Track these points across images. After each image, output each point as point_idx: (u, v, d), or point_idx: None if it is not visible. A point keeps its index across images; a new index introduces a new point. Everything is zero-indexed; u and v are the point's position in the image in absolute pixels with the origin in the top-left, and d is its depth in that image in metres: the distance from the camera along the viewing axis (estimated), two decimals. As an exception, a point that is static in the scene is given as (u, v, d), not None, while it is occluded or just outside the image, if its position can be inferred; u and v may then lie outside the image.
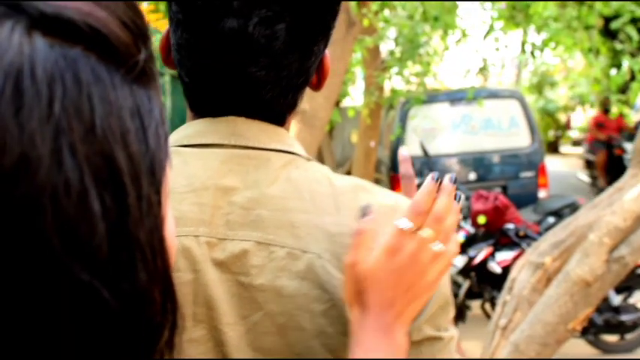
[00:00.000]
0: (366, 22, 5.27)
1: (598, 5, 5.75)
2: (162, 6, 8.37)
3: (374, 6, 5.34)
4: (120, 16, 0.45)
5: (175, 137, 0.93)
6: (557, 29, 5.69)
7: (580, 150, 19.91)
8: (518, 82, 23.86)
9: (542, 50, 7.22)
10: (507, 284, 3.59)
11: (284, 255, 0.86)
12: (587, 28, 6.23)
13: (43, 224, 0.39)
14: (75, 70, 0.41)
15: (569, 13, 5.63)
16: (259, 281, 0.86)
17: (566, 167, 16.55)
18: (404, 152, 1.06)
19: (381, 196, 0.93)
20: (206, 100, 0.94)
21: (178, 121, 7.38)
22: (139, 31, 0.46)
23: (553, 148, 20.00)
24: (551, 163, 17.16)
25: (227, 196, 0.89)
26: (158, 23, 5.53)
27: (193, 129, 0.93)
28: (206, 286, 0.87)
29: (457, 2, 6.61)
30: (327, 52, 0.98)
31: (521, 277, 3.53)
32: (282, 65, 0.91)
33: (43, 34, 0.41)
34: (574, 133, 19.92)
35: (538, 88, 19.44)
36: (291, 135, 0.97)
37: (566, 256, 3.36)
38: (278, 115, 0.95)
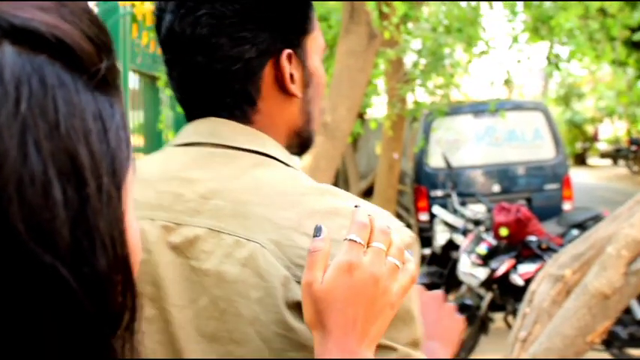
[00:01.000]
0: (387, 35, 5.29)
1: (621, 16, 5.73)
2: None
3: (395, 19, 5.36)
4: (84, 29, 0.49)
5: (173, 140, 1.03)
6: (579, 42, 5.67)
7: (608, 162, 19.71)
8: (545, 94, 23.72)
9: (568, 62, 7.19)
10: (527, 297, 3.57)
11: (231, 242, 0.90)
12: (612, 39, 6.20)
13: (9, 211, 0.44)
14: (41, 75, 0.46)
15: (592, 25, 5.61)
16: (206, 266, 0.90)
17: (594, 179, 16.39)
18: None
19: (344, 199, 0.94)
20: (186, 104, 1.03)
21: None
22: (102, 43, 0.51)
23: (580, 160, 19.84)
24: (579, 175, 17.01)
25: (190, 186, 0.95)
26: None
27: (183, 131, 1.02)
28: (157, 267, 0.92)
29: (481, 14, 6.61)
30: (285, 54, 0.99)
31: (541, 289, 3.51)
32: (213, 51, 0.96)
33: (11, 43, 0.46)
34: (602, 145, 19.73)
35: (565, 99, 19.30)
36: (272, 141, 1.00)
37: (586, 268, 3.34)
38: (237, 109, 0.99)
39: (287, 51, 0.98)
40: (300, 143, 1.06)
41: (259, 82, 0.98)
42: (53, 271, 0.45)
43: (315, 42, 1.04)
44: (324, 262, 0.80)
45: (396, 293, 0.81)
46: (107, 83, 0.51)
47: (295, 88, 1.00)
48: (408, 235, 0.94)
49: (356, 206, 0.85)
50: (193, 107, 1.02)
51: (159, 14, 1.00)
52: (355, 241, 0.80)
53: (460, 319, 1.17)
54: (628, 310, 4.87)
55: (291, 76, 0.99)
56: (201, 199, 0.93)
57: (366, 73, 5.20)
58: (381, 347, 0.87)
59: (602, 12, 6.06)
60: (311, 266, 0.80)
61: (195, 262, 0.91)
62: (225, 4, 0.95)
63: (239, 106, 0.99)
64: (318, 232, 0.82)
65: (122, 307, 0.50)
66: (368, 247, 0.80)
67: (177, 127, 5.95)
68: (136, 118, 4.73)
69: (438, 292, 1.18)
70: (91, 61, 0.49)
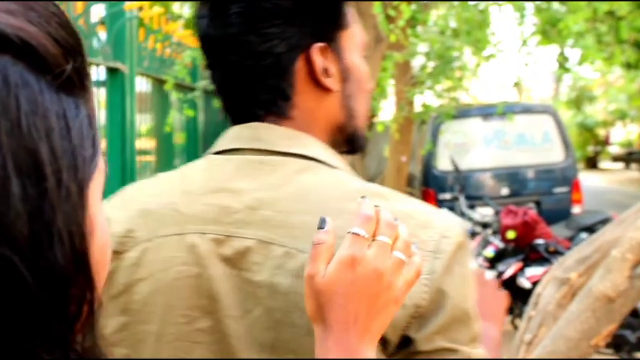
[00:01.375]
0: (393, 38, 5.30)
1: (631, 18, 5.70)
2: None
3: (402, 22, 5.36)
4: (51, 32, 0.51)
5: (213, 147, 1.03)
6: (587, 45, 5.65)
7: (619, 165, 19.63)
8: (556, 97, 23.64)
9: (580, 64, 7.17)
10: (533, 299, 3.56)
11: (281, 254, 0.90)
12: (621, 42, 6.18)
13: None
14: (4, 74, 0.47)
15: (599, 28, 5.59)
16: (258, 278, 0.91)
17: (605, 183, 16.32)
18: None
19: (397, 202, 0.94)
20: (228, 107, 1.03)
21: (212, 133, 7.46)
22: (70, 46, 0.52)
23: (592, 163, 19.75)
24: (590, 178, 16.93)
25: (237, 197, 0.95)
26: (189, 40, 5.62)
27: (224, 137, 1.02)
28: (210, 280, 0.93)
29: (490, 17, 6.60)
30: (315, 48, 0.99)
31: (547, 292, 3.50)
32: (243, 49, 0.98)
33: None
34: (613, 149, 19.64)
35: (576, 103, 19.23)
36: (314, 141, 1.00)
37: (591, 272, 3.33)
38: (272, 105, 1.00)
39: (318, 45, 0.99)
40: (345, 140, 1.05)
41: (292, 76, 0.99)
42: (8, 263, 0.46)
43: (353, 38, 1.04)
44: (327, 255, 0.79)
45: (401, 288, 0.80)
46: (73, 84, 0.52)
47: (331, 82, 1.00)
48: (461, 234, 0.94)
49: (362, 197, 0.84)
50: (234, 109, 1.03)
51: (197, 21, 1.03)
52: (359, 235, 0.78)
53: (504, 294, 1.16)
54: (636, 314, 4.84)
55: (326, 70, 0.99)
56: (248, 210, 0.94)
57: (373, 77, 5.20)
58: (442, 350, 0.88)
59: (611, 14, 6.04)
60: (314, 258, 0.79)
61: (247, 274, 0.92)
62: (254, 1, 0.97)
63: (274, 102, 0.99)
64: (322, 223, 0.81)
65: (80, 301, 0.50)
66: (373, 240, 0.79)
67: (187, 129, 5.97)
68: (144, 121, 4.74)
69: (479, 270, 1.17)
70: (56, 63, 0.50)
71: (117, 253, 0.98)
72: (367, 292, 0.77)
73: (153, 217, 0.98)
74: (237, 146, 0.99)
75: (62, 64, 0.51)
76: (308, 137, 1.00)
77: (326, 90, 1.00)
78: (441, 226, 0.92)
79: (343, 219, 0.88)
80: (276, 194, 0.94)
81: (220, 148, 1.01)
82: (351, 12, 1.05)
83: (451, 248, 0.91)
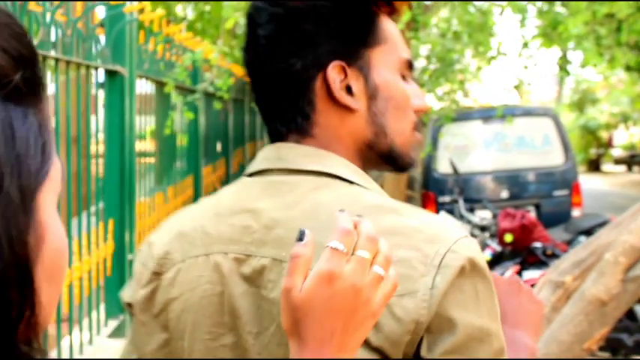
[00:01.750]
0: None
1: (631, 21, 5.71)
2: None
3: (400, 25, 5.37)
4: (0, 43, 0.53)
5: (247, 169, 1.08)
6: (586, 48, 5.66)
7: (622, 168, 19.61)
8: (559, 100, 23.62)
9: (582, 67, 7.17)
10: (528, 303, 3.58)
11: None
12: (621, 45, 6.19)
13: None
14: None
15: (598, 31, 5.60)
16: (273, 295, 0.95)
17: (608, 186, 16.30)
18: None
19: (409, 217, 0.94)
20: (265, 123, 1.09)
21: (213, 135, 7.48)
22: (20, 56, 0.54)
23: (594, 166, 19.73)
24: (592, 181, 16.92)
25: (256, 217, 0.99)
26: (190, 42, 5.64)
27: (257, 158, 1.08)
28: (232, 298, 0.97)
29: (492, 19, 6.61)
30: (332, 66, 1.00)
31: (542, 295, 3.51)
32: (267, 67, 1.03)
33: None
34: (616, 152, 19.62)
35: (579, 105, 19.22)
36: (335, 158, 1.00)
37: (586, 275, 3.34)
38: (293, 123, 1.03)
39: (336, 62, 1.00)
40: (381, 158, 1.04)
41: (311, 94, 1.00)
42: None
43: (385, 55, 1.04)
44: (305, 269, 0.77)
45: (378, 303, 0.78)
46: (22, 94, 0.53)
47: (352, 100, 1.00)
48: (473, 250, 0.92)
49: (340, 210, 0.82)
50: (268, 128, 1.07)
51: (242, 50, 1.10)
52: (337, 249, 0.76)
53: (541, 302, 1.14)
54: (634, 318, 4.85)
55: (349, 88, 1.00)
56: (265, 229, 0.98)
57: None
58: None
59: (611, 17, 6.05)
60: (291, 272, 0.77)
61: (264, 292, 0.96)
62: (278, 22, 1.01)
63: (294, 120, 1.02)
64: (301, 236, 0.79)
65: (21, 305, 0.52)
66: (353, 254, 0.77)
67: (189, 132, 6.00)
68: (146, 123, 4.77)
69: (515, 278, 1.16)
70: (4, 73, 0.52)
71: (157, 274, 1.04)
72: (344, 308, 0.76)
73: (186, 240, 1.03)
74: (265, 167, 1.03)
75: (10, 74, 0.52)
76: (329, 154, 1.01)
77: (347, 108, 1.01)
78: (450, 241, 0.91)
79: None
80: (290, 213, 0.97)
81: (252, 170, 1.05)
82: (388, 29, 1.05)
83: (458, 264, 0.90)
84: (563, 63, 7.66)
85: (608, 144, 19.49)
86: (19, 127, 0.52)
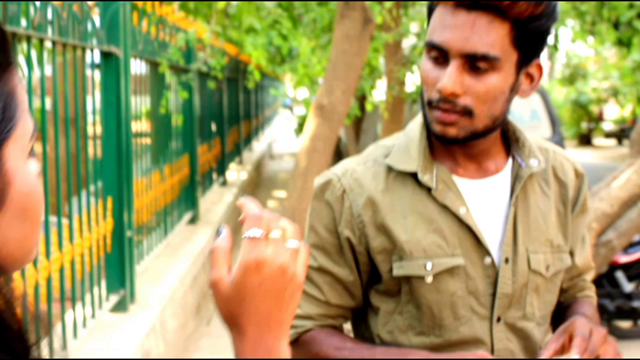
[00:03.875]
0: (379, 19, 5.42)
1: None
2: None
3: (388, 4, 5.48)
4: None
5: None
6: (566, 24, 5.77)
7: (613, 142, 19.76)
8: (551, 75, 23.70)
9: (573, 42, 7.27)
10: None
11: None
12: (604, 20, 6.30)
13: None
14: None
15: (579, 7, 5.71)
16: None
17: (598, 159, 16.45)
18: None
19: None
20: None
21: (207, 115, 7.59)
22: None
23: (585, 140, 19.86)
24: (583, 155, 17.06)
25: None
26: (183, 23, 5.73)
27: None
28: None
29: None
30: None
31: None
32: None
33: None
34: (607, 125, 19.75)
35: (570, 80, 19.31)
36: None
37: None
38: None
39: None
40: None
41: None
42: None
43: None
44: (225, 259, 0.79)
45: (301, 273, 0.81)
46: None
47: None
48: None
49: (242, 196, 0.87)
50: None
51: None
52: (255, 237, 0.78)
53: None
54: (615, 284, 5.01)
55: None
56: None
57: (362, 57, 5.34)
58: None
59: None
60: (214, 264, 0.80)
61: None
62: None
63: None
64: (220, 230, 0.82)
65: None
66: (268, 237, 0.79)
67: (184, 111, 6.11)
68: (141, 103, 4.86)
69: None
70: None
71: None
72: (275, 290, 0.79)
73: None
74: None
75: None
76: None
77: None
78: None
79: None
80: None
81: None
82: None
83: None
84: (552, 39, 7.77)
85: (599, 118, 19.63)
86: None
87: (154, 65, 5.09)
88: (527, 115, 7.89)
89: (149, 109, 5.24)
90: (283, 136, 21.43)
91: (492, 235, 1.33)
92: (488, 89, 1.24)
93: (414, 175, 1.33)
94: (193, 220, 6.30)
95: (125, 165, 3.94)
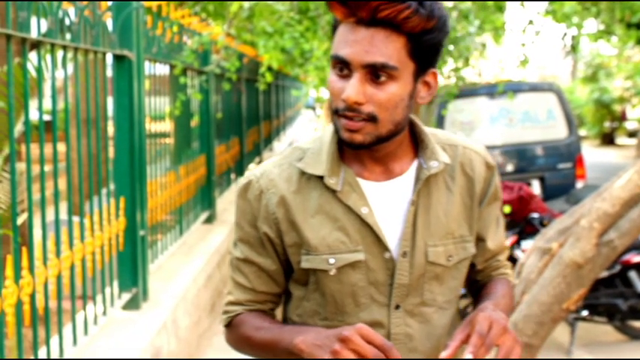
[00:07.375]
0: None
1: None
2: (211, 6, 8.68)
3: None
4: None
5: None
6: (581, 25, 5.76)
7: (635, 141, 19.60)
8: (573, 74, 23.54)
9: (595, 41, 7.25)
10: (517, 269, 3.76)
11: None
12: (622, 21, 6.28)
13: None
14: None
15: (591, 9, 5.70)
16: None
17: (621, 159, 16.34)
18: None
19: None
20: None
21: (225, 115, 7.67)
22: None
23: (608, 139, 19.72)
24: (606, 154, 16.95)
25: None
26: (198, 26, 5.82)
27: None
28: None
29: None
30: None
31: (530, 262, 3.68)
32: None
33: None
34: (631, 125, 19.59)
35: (592, 79, 19.18)
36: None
37: (570, 241, 3.51)
38: None
39: None
40: None
41: None
42: None
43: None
44: None
45: None
46: None
47: None
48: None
49: None
50: None
51: None
52: None
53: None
54: (628, 283, 5.01)
55: None
56: None
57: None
58: None
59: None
60: None
61: None
62: None
63: None
64: None
65: None
66: None
67: (201, 112, 6.19)
68: (160, 105, 4.93)
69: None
70: None
71: None
72: None
73: None
74: None
75: None
76: None
77: None
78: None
79: None
80: None
81: None
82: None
83: None
84: (574, 39, 7.73)
85: (622, 117, 19.47)
86: None
87: (172, 67, 5.18)
88: (543, 115, 7.88)
89: (170, 110, 5.32)
90: (305, 136, 21.51)
91: (392, 232, 1.46)
92: (389, 97, 1.36)
93: (322, 178, 1.47)
94: (210, 220, 6.39)
95: (138, 165, 4.01)
